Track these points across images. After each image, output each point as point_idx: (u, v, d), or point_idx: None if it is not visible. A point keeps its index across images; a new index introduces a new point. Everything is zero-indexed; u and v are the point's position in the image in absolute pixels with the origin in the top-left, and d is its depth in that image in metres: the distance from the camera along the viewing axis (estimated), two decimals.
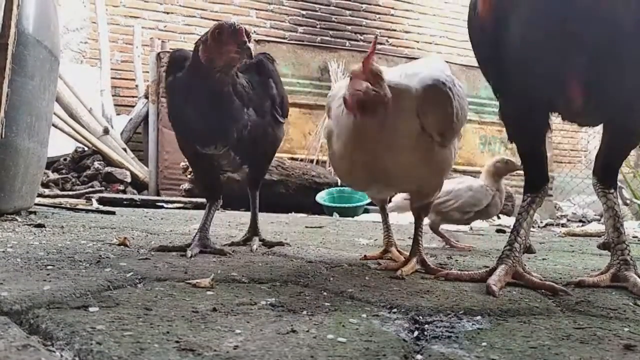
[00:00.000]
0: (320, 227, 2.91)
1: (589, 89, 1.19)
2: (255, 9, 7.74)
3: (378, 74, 1.33)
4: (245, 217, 3.40)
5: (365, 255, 1.68)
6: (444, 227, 2.39)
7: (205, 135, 1.58)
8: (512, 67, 1.29)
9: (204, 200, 4.14)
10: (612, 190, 1.43)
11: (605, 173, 1.44)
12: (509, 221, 4.07)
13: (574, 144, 8.77)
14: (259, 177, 1.88)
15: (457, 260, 1.79)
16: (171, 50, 6.13)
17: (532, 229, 3.54)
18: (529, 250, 1.51)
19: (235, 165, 1.74)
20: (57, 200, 3.70)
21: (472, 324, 0.91)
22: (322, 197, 4.66)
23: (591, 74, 1.16)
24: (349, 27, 8.16)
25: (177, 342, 0.71)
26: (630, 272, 1.32)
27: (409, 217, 4.18)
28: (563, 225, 4.17)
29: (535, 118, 1.36)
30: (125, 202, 4.11)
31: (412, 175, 1.43)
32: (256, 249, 1.73)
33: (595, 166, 1.47)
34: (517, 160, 2.04)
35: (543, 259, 1.87)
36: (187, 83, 1.55)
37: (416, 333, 0.84)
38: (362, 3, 8.27)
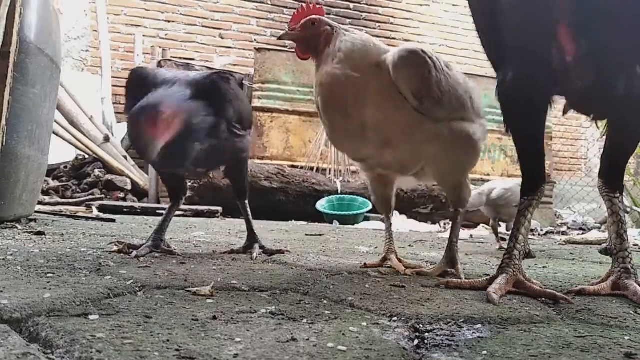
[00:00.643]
0: (320, 234, 2.91)
1: (579, 39, 1.14)
2: (256, 18, 7.78)
3: (310, 20, 1.56)
4: (244, 225, 3.39)
5: (365, 264, 1.68)
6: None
7: (160, 162, 1.57)
8: (507, 27, 1.27)
9: (204, 207, 4.11)
10: (618, 195, 1.39)
11: (611, 174, 1.41)
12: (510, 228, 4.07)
13: (574, 151, 8.77)
14: (241, 187, 1.90)
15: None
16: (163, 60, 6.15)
17: (532, 237, 3.53)
18: (528, 255, 1.50)
19: (200, 174, 1.79)
20: (57, 208, 3.70)
21: (473, 333, 0.91)
22: (322, 204, 4.66)
23: (579, 21, 1.13)
24: None
25: (177, 350, 0.71)
26: (631, 281, 1.32)
27: (409, 225, 4.19)
28: (563, 233, 4.17)
29: (535, 92, 1.31)
30: (125, 210, 4.10)
31: (391, 136, 1.48)
32: (256, 256, 1.73)
33: (601, 168, 1.44)
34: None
35: (543, 267, 1.87)
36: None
37: (416, 341, 0.84)
38: (361, 12, 8.32)
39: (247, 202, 1.91)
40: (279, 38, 1.70)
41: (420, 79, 1.43)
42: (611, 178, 1.40)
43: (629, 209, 4.86)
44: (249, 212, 1.92)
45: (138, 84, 1.59)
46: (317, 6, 1.59)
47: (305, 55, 1.59)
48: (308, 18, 1.57)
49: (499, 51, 1.35)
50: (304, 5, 1.60)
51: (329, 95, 1.48)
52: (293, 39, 1.60)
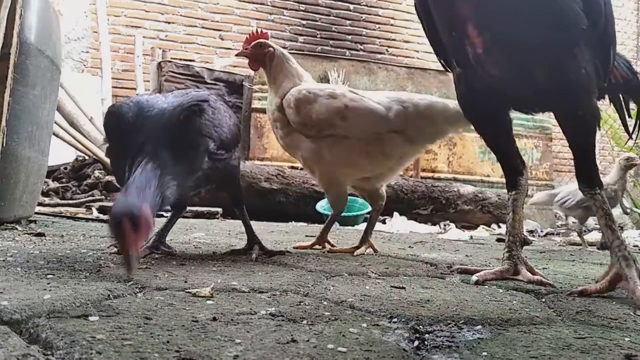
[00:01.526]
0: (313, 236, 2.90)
1: (484, 33, 1.31)
2: (256, 19, 7.79)
3: (258, 43, 2.16)
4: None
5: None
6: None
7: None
8: (436, 28, 1.47)
9: (204, 209, 4.11)
10: (598, 190, 1.41)
11: (580, 172, 1.44)
12: None
13: None
14: (236, 196, 1.91)
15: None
16: (168, 62, 6.16)
17: (532, 238, 3.53)
18: (524, 242, 1.57)
19: (195, 192, 1.82)
20: (57, 209, 3.70)
21: (473, 334, 0.91)
22: (322, 206, 4.65)
23: (482, 17, 1.30)
24: (349, 37, 8.21)
25: (177, 351, 0.71)
26: (631, 270, 1.32)
27: (409, 226, 4.18)
28: (563, 234, 4.16)
29: (476, 94, 1.49)
30: None
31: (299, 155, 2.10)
32: (256, 257, 1.73)
33: (575, 170, 1.49)
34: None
35: (543, 269, 1.86)
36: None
37: (416, 343, 0.84)
38: (362, 13, 8.32)
39: (244, 207, 1.91)
40: (236, 55, 2.29)
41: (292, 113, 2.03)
42: (583, 176, 1.43)
43: (628, 210, 4.86)
44: (247, 216, 1.92)
45: (117, 127, 1.56)
46: (264, 32, 2.21)
47: (256, 67, 2.24)
48: (256, 41, 2.16)
49: (444, 55, 1.55)
50: (253, 31, 2.20)
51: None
52: (246, 55, 2.18)
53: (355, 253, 2.03)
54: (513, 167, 1.54)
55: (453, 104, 1.90)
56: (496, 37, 1.32)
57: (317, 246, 2.19)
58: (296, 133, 2.04)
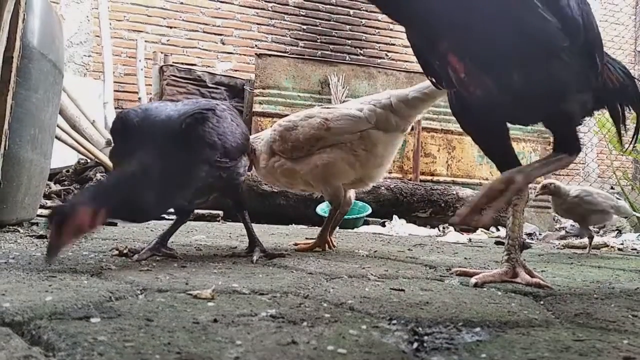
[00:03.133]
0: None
1: (463, 59, 1.38)
2: (257, 24, 7.82)
3: None
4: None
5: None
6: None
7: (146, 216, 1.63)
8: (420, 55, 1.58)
9: (205, 211, 4.10)
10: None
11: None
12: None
13: None
14: (238, 202, 1.93)
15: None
16: (170, 66, 6.17)
17: (531, 242, 3.53)
18: (524, 246, 1.60)
19: (196, 205, 1.88)
20: None
21: (472, 336, 0.91)
22: (322, 208, 4.65)
23: (459, 44, 1.37)
24: (349, 42, 8.23)
25: (178, 353, 0.72)
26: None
27: (408, 229, 4.19)
28: (562, 237, 4.16)
29: (474, 109, 1.56)
30: None
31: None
32: (257, 260, 1.74)
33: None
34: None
35: (542, 271, 1.87)
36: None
37: (415, 345, 0.84)
38: (361, 18, 8.35)
39: (246, 212, 1.93)
40: None
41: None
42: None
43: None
44: (249, 220, 1.94)
45: (122, 131, 1.59)
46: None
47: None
48: None
49: (429, 72, 1.63)
50: None
51: None
52: None
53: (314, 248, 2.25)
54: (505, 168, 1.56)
55: (409, 91, 2.22)
56: (475, 63, 1.40)
57: (317, 248, 2.26)
58: (285, 160, 2.24)
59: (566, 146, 1.46)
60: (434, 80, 1.61)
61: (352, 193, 2.43)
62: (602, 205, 2.79)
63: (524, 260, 1.60)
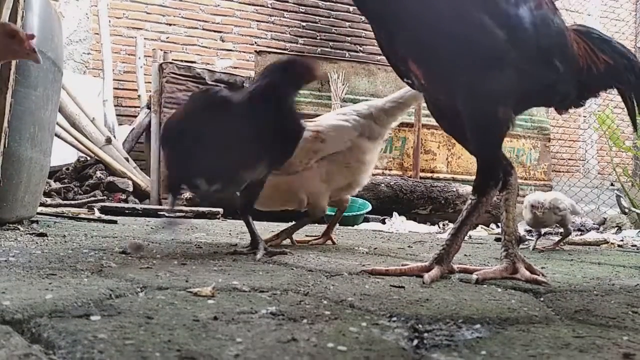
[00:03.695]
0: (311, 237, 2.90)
1: (420, 66, 1.47)
2: (257, 21, 7.80)
3: None
4: (245, 226, 3.39)
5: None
6: None
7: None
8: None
9: (205, 209, 4.12)
10: (475, 196, 1.54)
11: (478, 176, 1.54)
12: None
13: (572, 153, 8.77)
14: (251, 203, 1.99)
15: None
16: (176, 64, 6.16)
17: (530, 238, 3.55)
18: (520, 240, 1.64)
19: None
20: (59, 210, 3.70)
21: (472, 333, 0.91)
22: None
23: (415, 54, 1.46)
24: (349, 39, 8.21)
25: (178, 350, 0.72)
26: (437, 269, 1.49)
27: (408, 226, 4.19)
28: (562, 234, 4.16)
29: (446, 111, 1.61)
30: (127, 211, 4.11)
31: None
32: (260, 258, 1.74)
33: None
34: None
35: (542, 267, 1.87)
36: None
37: (416, 342, 0.84)
38: (361, 15, 8.33)
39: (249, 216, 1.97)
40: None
41: None
42: (477, 179, 1.56)
43: (627, 210, 4.85)
44: (251, 222, 1.97)
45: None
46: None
47: None
48: None
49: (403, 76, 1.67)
50: None
51: None
52: None
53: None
54: (501, 169, 1.57)
55: (385, 101, 2.36)
56: (429, 70, 1.48)
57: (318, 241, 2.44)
58: (278, 177, 2.19)
59: (483, 176, 1.52)
60: (409, 82, 1.65)
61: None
62: (568, 207, 2.80)
63: (524, 257, 1.60)
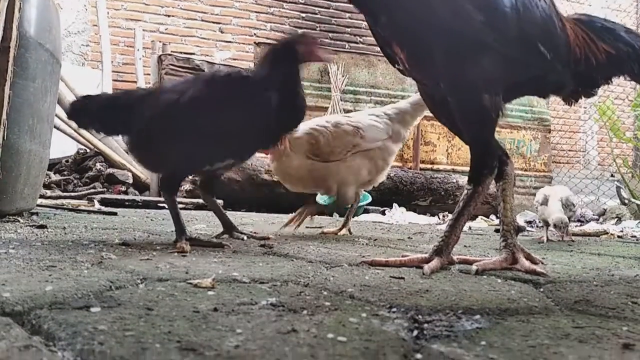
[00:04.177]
0: (320, 227, 2.91)
1: (403, 50, 1.48)
2: (256, 12, 7.76)
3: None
4: (245, 217, 3.40)
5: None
6: None
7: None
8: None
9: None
10: (471, 185, 1.53)
11: (472, 164, 1.54)
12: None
13: (572, 144, 8.76)
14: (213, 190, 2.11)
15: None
16: (174, 54, 6.13)
17: (530, 229, 3.54)
18: (518, 229, 1.63)
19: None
20: (59, 202, 3.70)
21: (471, 323, 0.92)
22: (322, 197, 4.66)
23: (397, 38, 1.48)
24: (349, 30, 8.17)
25: (178, 342, 0.72)
26: (437, 261, 1.49)
27: (408, 217, 4.19)
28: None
29: (436, 98, 1.62)
30: (127, 203, 4.11)
31: None
32: (247, 237, 1.93)
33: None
34: None
35: (542, 258, 1.87)
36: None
37: (415, 332, 0.84)
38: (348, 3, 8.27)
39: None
40: None
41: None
42: (472, 168, 1.55)
43: (626, 201, 4.85)
44: (217, 203, 2.13)
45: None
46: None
47: None
48: None
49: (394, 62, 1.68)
50: None
51: None
52: None
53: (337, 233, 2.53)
54: (495, 158, 1.55)
55: (408, 103, 2.59)
56: (411, 54, 1.49)
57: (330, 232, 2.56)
58: (315, 162, 2.44)
59: (477, 165, 1.51)
60: (399, 68, 1.64)
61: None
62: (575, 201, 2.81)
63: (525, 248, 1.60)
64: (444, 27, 1.36)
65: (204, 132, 1.73)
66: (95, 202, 3.98)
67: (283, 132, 1.95)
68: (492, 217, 4.56)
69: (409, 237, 2.58)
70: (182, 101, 1.73)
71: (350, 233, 2.60)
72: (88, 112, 1.86)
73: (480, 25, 1.35)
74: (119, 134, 1.95)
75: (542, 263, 1.52)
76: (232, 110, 1.75)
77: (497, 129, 1.54)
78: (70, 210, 3.16)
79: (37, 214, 2.60)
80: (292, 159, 2.43)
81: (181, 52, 6.68)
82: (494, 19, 1.37)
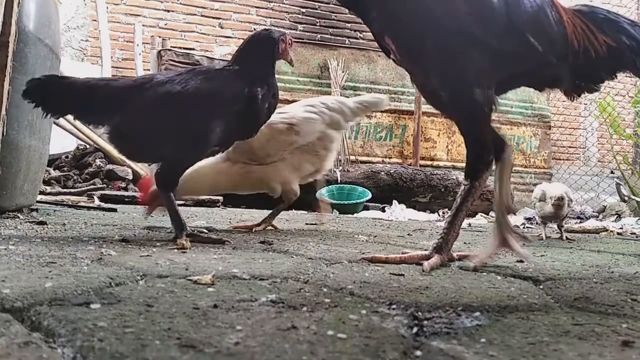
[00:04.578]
0: (316, 224, 2.92)
1: (394, 41, 1.49)
2: (256, 7, 7.73)
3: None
4: (245, 214, 3.41)
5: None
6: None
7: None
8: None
9: (205, 197, 4.10)
10: (468, 181, 1.53)
11: (468, 160, 1.54)
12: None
13: (572, 140, 8.75)
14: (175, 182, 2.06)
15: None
16: (173, 49, 6.12)
17: (530, 226, 3.54)
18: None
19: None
20: (58, 198, 3.70)
21: (471, 320, 0.92)
22: (322, 194, 4.66)
23: (387, 29, 1.47)
24: (349, 25, 8.15)
25: (178, 338, 0.72)
26: (437, 258, 1.49)
27: (408, 214, 4.19)
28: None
29: (428, 88, 1.61)
30: (127, 200, 4.11)
31: None
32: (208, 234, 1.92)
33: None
34: None
35: (541, 256, 1.87)
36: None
37: (415, 329, 0.84)
38: None
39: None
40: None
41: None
42: (467, 164, 1.56)
43: (626, 198, 4.86)
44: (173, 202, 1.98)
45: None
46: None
47: None
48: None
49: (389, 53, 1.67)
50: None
51: None
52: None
53: (254, 229, 2.34)
54: (491, 152, 1.54)
55: (351, 102, 2.55)
56: (400, 46, 1.49)
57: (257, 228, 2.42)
58: (250, 166, 2.33)
59: (473, 159, 1.50)
60: (394, 59, 1.63)
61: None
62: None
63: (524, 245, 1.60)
64: (431, 20, 1.35)
65: (192, 124, 1.80)
66: (95, 198, 3.97)
67: (263, 121, 2.00)
68: (492, 213, 4.56)
69: (408, 234, 2.58)
70: (172, 93, 1.78)
71: (276, 229, 2.43)
72: (58, 95, 1.80)
73: (467, 17, 1.33)
74: (97, 124, 1.94)
75: (527, 239, 1.61)
76: (220, 101, 1.85)
77: (497, 125, 1.52)
78: (70, 206, 3.16)
79: (36, 210, 2.60)
80: (231, 167, 2.30)
81: (181, 48, 6.66)
82: (481, 10, 1.35)
